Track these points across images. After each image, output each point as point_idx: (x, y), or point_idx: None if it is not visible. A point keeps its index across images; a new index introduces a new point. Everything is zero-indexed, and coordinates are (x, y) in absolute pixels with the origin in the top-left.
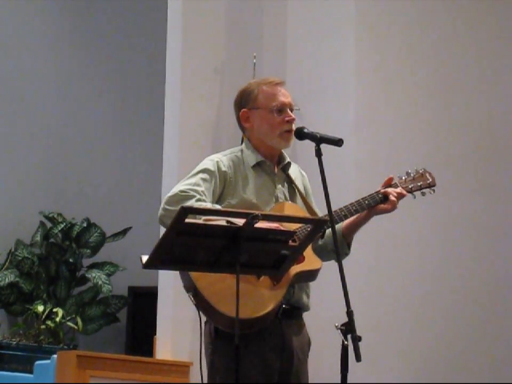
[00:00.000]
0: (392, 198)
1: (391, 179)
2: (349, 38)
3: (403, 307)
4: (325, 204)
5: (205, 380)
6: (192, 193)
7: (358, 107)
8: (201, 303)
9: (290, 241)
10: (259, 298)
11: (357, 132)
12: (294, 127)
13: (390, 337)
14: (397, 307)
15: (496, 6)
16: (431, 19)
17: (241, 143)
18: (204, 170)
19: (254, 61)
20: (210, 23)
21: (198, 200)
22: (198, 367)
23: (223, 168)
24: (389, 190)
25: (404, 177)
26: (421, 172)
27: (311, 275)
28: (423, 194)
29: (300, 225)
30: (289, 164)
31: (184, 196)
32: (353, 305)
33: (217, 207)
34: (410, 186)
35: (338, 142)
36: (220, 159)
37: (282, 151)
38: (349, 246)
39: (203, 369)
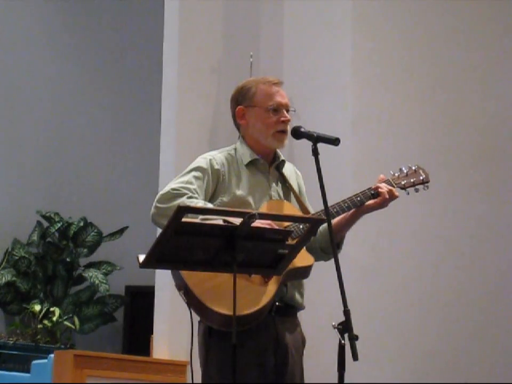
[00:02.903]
0: (382, 190)
1: (382, 179)
2: (345, 37)
3: (400, 306)
4: (322, 202)
5: (197, 379)
6: (184, 191)
7: (355, 106)
8: (192, 301)
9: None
10: (251, 295)
11: (354, 131)
12: (288, 128)
13: (387, 336)
14: (394, 306)
15: (492, 2)
16: (428, 17)
17: None
18: (197, 168)
19: (251, 60)
20: (207, 23)
21: (190, 197)
22: (194, 366)
23: (216, 166)
24: (381, 184)
25: (396, 174)
26: (414, 168)
27: (303, 272)
28: (417, 190)
29: (291, 223)
30: (283, 162)
31: (175, 193)
32: (350, 304)
33: (209, 205)
34: (403, 183)
35: (335, 141)
36: (213, 157)
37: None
38: (338, 244)
39: (196, 369)
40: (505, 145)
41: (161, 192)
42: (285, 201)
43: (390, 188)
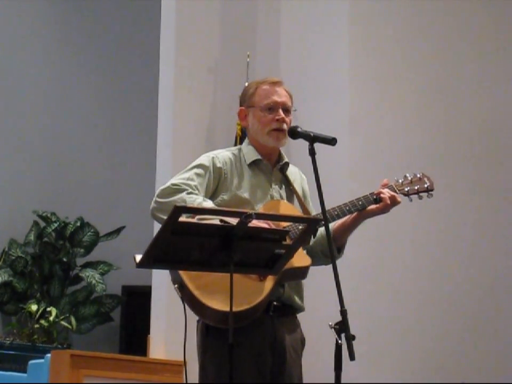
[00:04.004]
0: (384, 196)
1: (385, 184)
2: (342, 37)
3: (397, 306)
4: (319, 203)
5: (192, 379)
6: (184, 186)
7: (351, 106)
8: (186, 296)
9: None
10: (247, 291)
11: (351, 131)
12: (285, 126)
13: (384, 336)
14: (391, 306)
15: (490, 5)
16: (425, 18)
17: (235, 141)
18: (199, 166)
19: (248, 60)
20: (203, 22)
21: (189, 193)
22: (191, 366)
23: (218, 164)
24: (383, 190)
25: (400, 180)
26: (419, 176)
27: (300, 273)
28: (420, 198)
29: (289, 223)
30: (287, 164)
31: (175, 189)
32: (347, 304)
33: (209, 201)
34: (406, 189)
35: (332, 141)
36: (215, 155)
37: (282, 151)
38: (339, 249)
39: (191, 368)
40: (504, 145)
41: (161, 187)
42: (283, 201)
43: (393, 193)
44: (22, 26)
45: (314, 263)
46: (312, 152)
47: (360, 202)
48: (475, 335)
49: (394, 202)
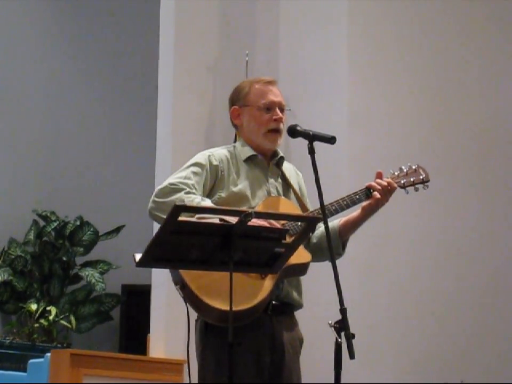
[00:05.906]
0: (374, 193)
1: (379, 174)
2: (341, 36)
3: (397, 305)
4: (318, 201)
5: (194, 378)
6: (181, 186)
7: (351, 105)
8: (188, 296)
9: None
10: (247, 290)
11: (350, 129)
12: (282, 126)
13: (383, 334)
14: (391, 305)
15: (490, 4)
16: (424, 14)
17: (234, 140)
18: (195, 164)
19: (247, 58)
20: (202, 21)
21: (187, 193)
22: (193, 365)
23: (215, 162)
24: (373, 183)
25: (396, 173)
26: (414, 167)
27: (300, 269)
28: (416, 189)
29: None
30: (282, 158)
31: (173, 188)
32: (347, 303)
33: (207, 200)
34: (402, 182)
35: (331, 140)
36: (211, 153)
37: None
38: (343, 246)
39: (194, 366)
40: (504, 144)
41: (159, 187)
42: (282, 197)
43: (385, 184)
44: (19, 27)
45: (319, 258)
46: (311, 151)
47: (357, 196)
48: (476, 334)
49: (391, 189)
